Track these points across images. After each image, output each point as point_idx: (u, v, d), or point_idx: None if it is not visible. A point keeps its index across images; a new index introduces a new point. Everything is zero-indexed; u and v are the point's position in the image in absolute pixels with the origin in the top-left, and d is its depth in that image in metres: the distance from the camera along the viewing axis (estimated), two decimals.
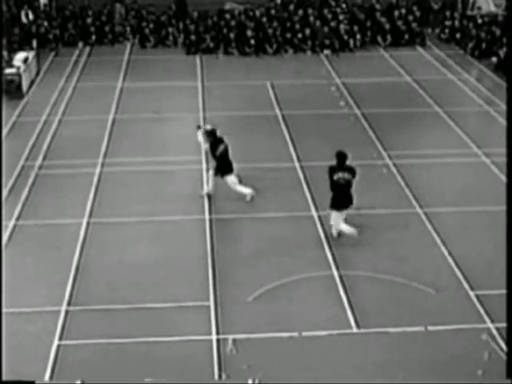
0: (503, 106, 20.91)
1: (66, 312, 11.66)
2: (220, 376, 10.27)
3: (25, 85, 21.82)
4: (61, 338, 11.05)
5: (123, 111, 20.55)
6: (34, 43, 26.05)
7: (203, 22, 27.59)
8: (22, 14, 26.72)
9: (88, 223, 14.39)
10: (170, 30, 27.72)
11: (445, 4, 29.61)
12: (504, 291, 12.06)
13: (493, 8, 28.99)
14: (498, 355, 10.71)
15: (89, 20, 27.55)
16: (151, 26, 27.61)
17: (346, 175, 13.50)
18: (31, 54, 23.54)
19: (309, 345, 10.96)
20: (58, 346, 10.88)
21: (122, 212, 14.81)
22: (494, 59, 24.82)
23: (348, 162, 13.62)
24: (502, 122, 19.79)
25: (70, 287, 12.30)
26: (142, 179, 16.29)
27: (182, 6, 28.70)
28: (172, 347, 10.87)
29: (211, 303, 11.90)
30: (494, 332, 11.21)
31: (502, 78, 23.62)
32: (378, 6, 28.71)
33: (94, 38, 27.39)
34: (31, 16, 27.01)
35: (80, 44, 27.23)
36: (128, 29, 28.15)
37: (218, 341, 11.01)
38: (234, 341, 10.98)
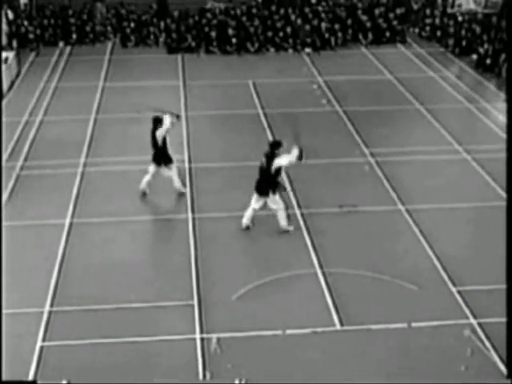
0: (483, 103, 21.09)
1: (49, 313, 11.62)
2: (204, 375, 10.27)
3: (5, 85, 21.67)
4: (44, 339, 11.01)
5: (105, 111, 20.49)
6: (14, 43, 25.93)
7: (184, 21, 27.57)
8: (2, 13, 26.53)
9: (70, 223, 14.34)
10: (152, 29, 27.67)
11: (425, 3, 29.73)
12: (487, 287, 12.27)
13: (472, 6, 29.16)
14: (480, 351, 10.79)
15: (69, 19, 27.42)
16: (132, 25, 27.54)
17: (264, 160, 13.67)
18: (11, 54, 23.38)
19: (292, 342, 10.98)
20: (41, 348, 10.84)
21: (105, 212, 14.77)
22: (475, 56, 24.99)
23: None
24: (483, 118, 19.94)
25: (53, 288, 12.26)
26: (124, 179, 16.24)
27: (163, 5, 28.66)
28: (156, 346, 10.87)
29: (195, 302, 11.90)
30: (477, 328, 11.30)
31: (483, 76, 23.81)
32: (359, 4, 28.83)
33: (74, 37, 27.27)
34: (11, 16, 26.85)
35: (61, 44, 27.11)
36: (109, 28, 28.08)
37: (202, 340, 11.02)
38: (218, 339, 10.99)
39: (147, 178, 15.32)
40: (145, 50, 27.00)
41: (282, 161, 13.34)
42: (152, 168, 15.20)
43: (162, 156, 15.05)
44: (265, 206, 13.99)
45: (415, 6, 29.67)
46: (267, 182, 13.67)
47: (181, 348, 10.85)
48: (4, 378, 9.81)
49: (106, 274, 12.69)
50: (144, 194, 15.40)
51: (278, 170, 13.60)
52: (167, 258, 13.29)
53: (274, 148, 13.51)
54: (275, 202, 13.87)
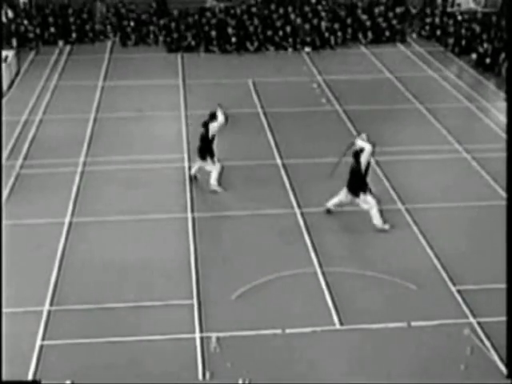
0: (483, 102, 21.09)
1: (49, 312, 11.62)
2: (204, 374, 10.27)
3: (5, 84, 21.65)
4: (43, 339, 11.01)
5: (104, 110, 20.48)
6: (14, 42, 25.91)
7: (184, 20, 27.57)
8: (2, 12, 26.50)
9: (70, 223, 14.34)
10: (151, 28, 27.67)
11: (425, 4, 29.70)
12: (486, 286, 12.27)
13: (472, 5, 29.17)
14: (479, 349, 10.80)
15: (69, 18, 27.41)
16: (132, 24, 27.54)
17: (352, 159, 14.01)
18: (11, 53, 23.36)
19: (292, 342, 10.98)
20: (41, 346, 10.84)
21: (105, 211, 14.76)
22: (474, 56, 25.00)
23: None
24: (483, 117, 19.95)
25: (53, 287, 12.25)
26: (123, 178, 16.25)
27: (163, 4, 28.66)
28: (156, 346, 10.86)
29: (195, 301, 11.90)
30: (476, 327, 11.30)
31: (482, 75, 23.82)
32: (358, 4, 28.83)
33: (74, 36, 27.27)
34: (11, 15, 26.83)
35: (60, 43, 27.10)
36: (109, 27, 28.07)
37: (202, 339, 11.01)
38: (218, 339, 10.99)
39: (196, 166, 15.81)
40: (144, 49, 27.00)
41: (363, 157, 13.70)
42: (199, 162, 15.63)
43: (207, 150, 15.35)
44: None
45: (413, 10, 29.61)
46: (358, 183, 13.88)
47: (181, 347, 10.84)
48: (4, 377, 9.81)
49: (105, 273, 12.68)
50: (195, 178, 15.97)
51: (367, 167, 13.83)
52: (167, 257, 13.27)
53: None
54: (366, 201, 14.01)
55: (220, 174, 15.62)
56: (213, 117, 15.29)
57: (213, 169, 15.51)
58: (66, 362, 10.53)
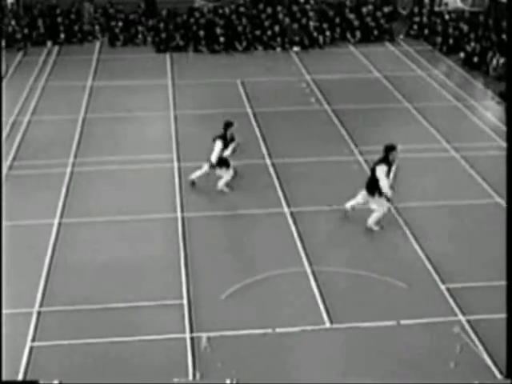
0: (471, 101, 21.18)
1: (39, 313, 11.59)
2: (194, 374, 10.27)
3: None
4: (34, 340, 10.98)
5: (93, 110, 20.44)
6: (2, 43, 25.81)
7: (173, 20, 27.55)
8: None
9: (59, 223, 14.30)
10: (140, 28, 27.64)
11: (413, 4, 29.76)
12: (476, 284, 12.33)
13: (459, 4, 29.28)
14: (469, 347, 10.84)
15: (57, 19, 27.32)
16: (120, 24, 27.48)
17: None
18: None
19: (282, 341, 10.99)
20: (31, 348, 10.81)
21: (94, 212, 14.74)
22: (462, 54, 25.10)
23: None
24: (471, 116, 20.02)
25: (42, 288, 12.22)
26: (113, 178, 16.23)
27: (152, 4, 28.63)
28: (146, 346, 10.85)
29: (185, 301, 11.89)
30: (466, 325, 11.34)
31: (470, 73, 23.92)
32: (347, 3, 28.89)
33: (62, 36, 27.19)
34: None
35: (49, 43, 27.01)
36: (97, 27, 28.00)
37: (192, 339, 11.01)
38: (208, 338, 10.99)
39: (199, 173, 15.59)
40: (133, 50, 26.96)
41: (379, 174, 13.54)
42: (206, 168, 15.47)
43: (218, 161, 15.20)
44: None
45: (403, 12, 29.69)
46: (374, 184, 13.76)
47: (171, 347, 10.84)
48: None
49: (95, 273, 12.66)
50: (193, 183, 15.70)
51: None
52: (156, 257, 13.27)
53: (388, 151, 13.65)
54: (377, 203, 13.91)
55: (232, 178, 15.55)
56: (227, 126, 15.11)
57: (224, 174, 15.43)
58: (57, 363, 10.50)
